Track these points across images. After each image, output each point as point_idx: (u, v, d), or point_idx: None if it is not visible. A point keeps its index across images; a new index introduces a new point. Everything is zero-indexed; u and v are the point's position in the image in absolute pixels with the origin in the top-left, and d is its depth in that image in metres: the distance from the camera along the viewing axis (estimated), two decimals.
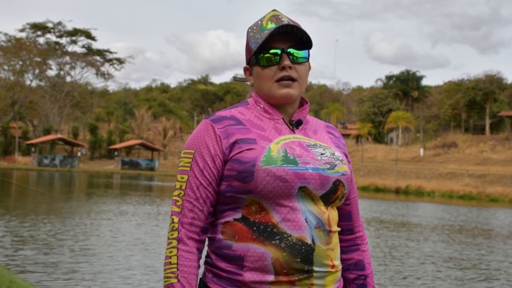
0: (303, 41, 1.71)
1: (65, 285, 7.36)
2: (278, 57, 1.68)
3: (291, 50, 1.69)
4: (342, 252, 1.83)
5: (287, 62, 1.68)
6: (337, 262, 1.69)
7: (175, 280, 1.61)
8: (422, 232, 15.37)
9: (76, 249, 10.01)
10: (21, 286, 6.14)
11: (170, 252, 1.64)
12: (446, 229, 16.43)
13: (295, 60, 1.70)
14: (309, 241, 1.61)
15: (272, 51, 1.68)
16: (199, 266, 1.66)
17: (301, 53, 1.71)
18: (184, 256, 1.63)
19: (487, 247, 12.88)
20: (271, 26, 1.69)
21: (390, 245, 12.47)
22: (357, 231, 1.86)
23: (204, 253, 1.72)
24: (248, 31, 1.76)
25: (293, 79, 1.69)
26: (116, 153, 62.23)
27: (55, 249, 9.89)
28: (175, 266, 1.62)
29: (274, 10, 1.76)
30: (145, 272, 8.35)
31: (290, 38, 1.70)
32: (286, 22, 1.69)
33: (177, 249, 1.63)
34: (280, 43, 1.69)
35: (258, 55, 1.70)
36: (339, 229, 1.74)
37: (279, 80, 1.69)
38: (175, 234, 1.65)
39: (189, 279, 1.62)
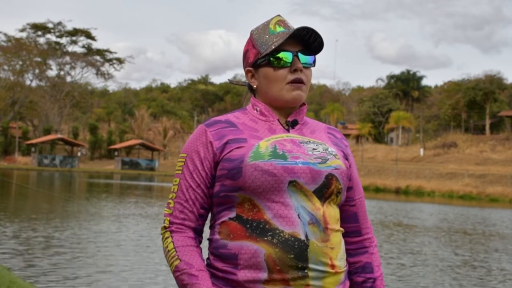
0: (311, 47, 1.75)
1: (65, 285, 7.36)
2: (290, 61, 1.72)
3: (300, 55, 1.73)
4: (349, 255, 1.80)
5: (300, 65, 1.71)
6: (339, 263, 1.66)
7: (178, 262, 1.65)
8: (437, 236, 15.35)
9: (77, 250, 10.00)
10: (21, 286, 6.14)
11: (166, 243, 1.69)
12: (466, 232, 16.41)
13: (304, 65, 1.73)
14: (302, 237, 1.60)
15: (284, 53, 1.71)
16: (198, 247, 1.69)
17: (308, 59, 1.74)
18: (179, 239, 1.68)
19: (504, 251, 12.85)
20: (280, 29, 1.74)
21: (399, 249, 12.46)
22: (364, 233, 1.83)
23: (205, 255, 1.73)
24: (252, 34, 1.79)
25: (303, 82, 1.72)
26: (116, 153, 62.24)
27: (56, 250, 9.88)
28: (173, 250, 1.66)
29: (279, 15, 1.80)
30: (145, 273, 8.35)
31: (300, 43, 1.73)
32: (293, 28, 1.73)
33: (171, 237, 1.69)
34: (291, 47, 1.72)
35: (269, 56, 1.72)
36: (342, 229, 1.72)
37: (291, 82, 1.71)
38: (167, 229, 1.71)
39: (191, 256, 1.65)
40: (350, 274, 1.80)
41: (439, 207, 26.69)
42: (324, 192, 1.65)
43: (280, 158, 1.63)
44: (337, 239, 1.67)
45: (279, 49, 1.71)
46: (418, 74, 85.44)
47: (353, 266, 1.80)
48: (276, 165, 1.61)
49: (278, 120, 1.75)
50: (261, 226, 1.61)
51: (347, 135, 72.41)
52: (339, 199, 1.72)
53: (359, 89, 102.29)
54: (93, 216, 15.54)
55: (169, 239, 1.68)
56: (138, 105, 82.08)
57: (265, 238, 1.60)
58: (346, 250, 1.79)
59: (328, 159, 1.69)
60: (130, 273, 8.23)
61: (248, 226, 1.62)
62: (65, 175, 45.14)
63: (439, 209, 24.99)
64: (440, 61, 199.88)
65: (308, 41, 1.74)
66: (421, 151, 58.48)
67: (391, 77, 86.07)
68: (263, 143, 1.67)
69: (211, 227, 1.73)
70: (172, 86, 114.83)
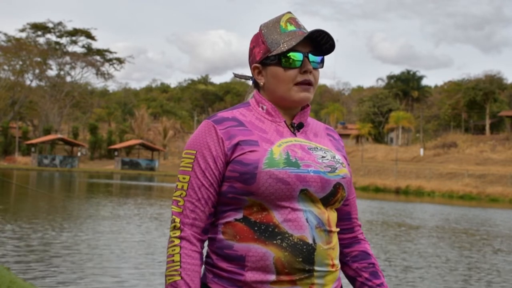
0: (321, 48, 1.74)
1: (65, 286, 7.35)
2: (301, 61, 1.71)
3: (310, 56, 1.72)
4: (345, 247, 1.85)
5: (310, 66, 1.70)
6: (337, 262, 1.71)
7: (178, 278, 1.61)
8: (441, 237, 15.34)
9: (76, 250, 10.00)
10: (21, 286, 6.13)
11: (172, 251, 1.64)
12: (470, 233, 16.37)
13: (313, 66, 1.72)
14: (310, 241, 1.62)
15: (294, 54, 1.70)
16: (202, 265, 1.66)
17: (318, 59, 1.74)
18: (187, 254, 1.63)
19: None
20: (291, 28, 1.73)
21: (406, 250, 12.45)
22: (356, 230, 1.89)
23: (204, 253, 1.71)
24: (262, 29, 1.77)
25: (311, 84, 1.72)
26: (116, 153, 62.23)
27: (56, 250, 9.88)
28: (178, 264, 1.62)
29: (289, 12, 1.78)
30: (146, 274, 8.34)
31: (310, 43, 1.73)
32: (303, 27, 1.74)
33: (180, 247, 1.63)
34: (301, 47, 1.71)
35: (280, 55, 1.71)
36: (338, 229, 1.76)
37: (299, 83, 1.71)
38: (178, 233, 1.65)
39: (192, 277, 1.62)
40: (349, 263, 1.85)
41: (440, 207, 26.68)
42: (330, 199, 1.69)
43: (293, 166, 1.63)
44: (336, 240, 1.72)
45: (289, 49, 1.70)
46: (418, 74, 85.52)
47: (350, 255, 1.85)
48: (290, 174, 1.62)
49: (284, 121, 1.75)
50: (270, 229, 1.61)
51: (347, 135, 72.45)
52: (340, 205, 1.76)
53: (359, 89, 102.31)
54: (93, 216, 15.53)
55: (178, 249, 1.63)
56: (138, 105, 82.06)
57: (274, 242, 1.60)
58: (341, 244, 1.85)
59: (336, 168, 1.71)
60: (131, 274, 8.22)
61: (256, 228, 1.62)
62: (65, 175, 45.13)
63: (440, 210, 24.97)
64: (441, 61, 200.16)
65: (319, 42, 1.73)
66: (421, 151, 58.48)
67: (391, 77, 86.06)
68: (275, 149, 1.66)
69: (213, 225, 1.71)
70: (172, 86, 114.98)
